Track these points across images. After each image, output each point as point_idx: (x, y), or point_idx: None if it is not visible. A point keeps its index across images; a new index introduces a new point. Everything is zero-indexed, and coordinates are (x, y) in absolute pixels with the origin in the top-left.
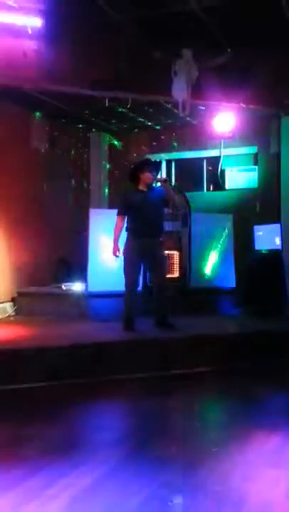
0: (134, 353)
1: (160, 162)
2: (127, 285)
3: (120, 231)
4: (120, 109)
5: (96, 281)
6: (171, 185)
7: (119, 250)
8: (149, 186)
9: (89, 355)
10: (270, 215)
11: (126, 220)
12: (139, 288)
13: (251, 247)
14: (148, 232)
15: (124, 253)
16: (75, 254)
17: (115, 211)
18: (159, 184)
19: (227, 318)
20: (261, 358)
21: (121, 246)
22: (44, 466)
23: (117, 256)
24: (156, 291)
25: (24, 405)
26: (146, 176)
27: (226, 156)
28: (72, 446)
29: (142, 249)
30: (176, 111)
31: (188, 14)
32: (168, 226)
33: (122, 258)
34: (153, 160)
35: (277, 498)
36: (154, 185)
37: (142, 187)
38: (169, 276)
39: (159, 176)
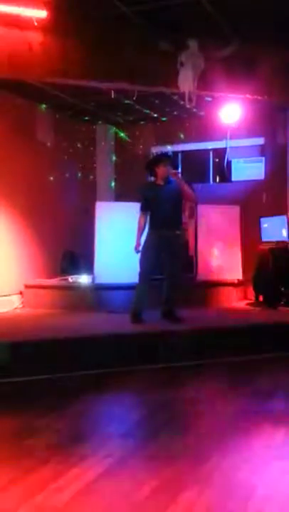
0: (142, 345)
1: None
2: (141, 275)
3: (143, 227)
4: (126, 101)
5: (103, 273)
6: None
7: (140, 246)
8: (166, 180)
9: (97, 347)
10: (277, 207)
11: (149, 215)
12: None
13: (258, 239)
14: (165, 224)
15: (143, 245)
16: (82, 246)
17: (122, 204)
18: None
19: (233, 311)
20: (270, 350)
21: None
22: (51, 458)
23: (138, 251)
24: (169, 283)
25: (32, 397)
26: (163, 170)
27: (233, 148)
28: (79, 439)
29: (160, 242)
30: (182, 102)
31: (194, 5)
32: None
33: (141, 249)
34: (166, 153)
35: (284, 491)
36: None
37: (159, 181)
38: None
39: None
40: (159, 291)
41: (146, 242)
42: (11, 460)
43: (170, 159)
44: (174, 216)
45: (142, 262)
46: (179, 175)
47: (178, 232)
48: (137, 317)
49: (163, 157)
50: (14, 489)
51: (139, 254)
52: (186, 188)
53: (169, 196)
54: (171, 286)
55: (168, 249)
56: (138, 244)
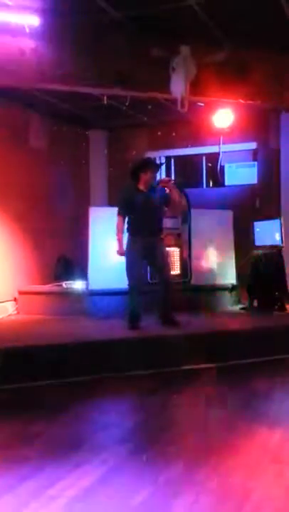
0: (137, 350)
1: (160, 164)
2: (130, 284)
3: (122, 231)
4: (119, 107)
5: (97, 279)
6: (175, 185)
7: (123, 249)
8: (149, 186)
9: (92, 353)
10: (270, 211)
11: (126, 219)
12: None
13: (251, 243)
14: (149, 231)
15: (126, 253)
16: (76, 252)
17: (115, 209)
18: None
19: (228, 315)
20: (265, 354)
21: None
22: (46, 465)
23: (123, 255)
24: (161, 288)
25: (28, 404)
26: (150, 177)
27: (226, 152)
28: (74, 445)
29: (143, 249)
30: (174, 107)
31: (186, 11)
32: (168, 223)
33: (125, 258)
34: (154, 161)
35: (280, 494)
36: (154, 185)
37: (142, 187)
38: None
39: (159, 177)
40: (155, 296)
41: (130, 250)
42: (6, 467)
43: (158, 168)
44: (156, 223)
45: (129, 271)
46: (172, 182)
47: (161, 237)
48: (134, 323)
49: (152, 165)
50: (9, 497)
51: (125, 263)
52: (175, 196)
53: (153, 203)
54: (165, 291)
55: (154, 256)
56: (121, 248)
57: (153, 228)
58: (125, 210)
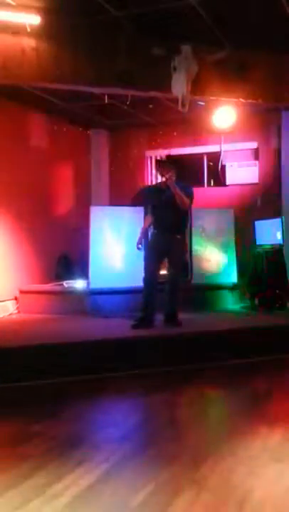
0: (138, 350)
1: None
2: (145, 281)
3: (147, 230)
4: (120, 106)
5: (98, 278)
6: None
7: (141, 244)
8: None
9: (92, 352)
10: (271, 210)
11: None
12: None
13: (253, 242)
14: (166, 229)
15: (145, 248)
16: (77, 251)
17: (116, 208)
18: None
19: (229, 314)
20: (266, 353)
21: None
22: (48, 463)
23: (138, 249)
24: (168, 288)
25: (29, 403)
26: (169, 175)
27: (227, 152)
28: (76, 444)
29: (161, 246)
30: (175, 107)
31: (187, 10)
32: None
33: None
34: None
35: (280, 493)
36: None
37: (164, 185)
38: None
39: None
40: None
41: (148, 247)
42: (7, 466)
43: (166, 162)
44: (174, 221)
45: (145, 267)
46: (173, 179)
47: (179, 236)
48: (145, 322)
49: (162, 161)
50: (11, 495)
51: (143, 259)
52: (177, 192)
53: (171, 201)
54: (172, 290)
55: (169, 254)
56: (139, 242)
57: (171, 226)
58: (147, 210)
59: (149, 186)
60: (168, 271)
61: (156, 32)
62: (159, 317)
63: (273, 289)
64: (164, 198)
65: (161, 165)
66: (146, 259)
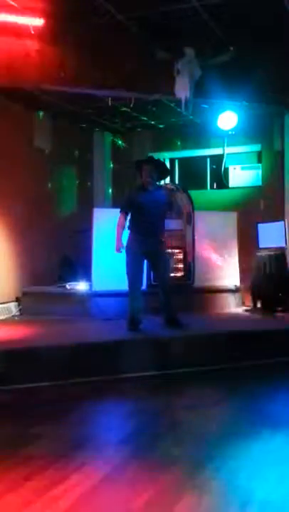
0: (139, 352)
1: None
2: (130, 285)
3: (122, 228)
4: (123, 109)
5: (100, 281)
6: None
7: (122, 246)
8: (153, 185)
9: (94, 354)
10: (274, 213)
11: (128, 218)
12: (144, 287)
13: (255, 245)
14: (149, 232)
15: (126, 253)
16: (79, 253)
17: (119, 210)
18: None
19: (231, 317)
20: (269, 356)
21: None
22: (49, 466)
23: (119, 252)
24: (162, 291)
25: (31, 405)
26: (144, 174)
27: (230, 154)
28: (77, 446)
29: (144, 249)
30: (179, 109)
31: (191, 13)
32: (172, 225)
33: (125, 258)
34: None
35: (282, 496)
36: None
37: (146, 186)
38: (173, 275)
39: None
40: (154, 298)
41: (129, 250)
42: (9, 468)
43: (152, 165)
44: (158, 224)
45: (129, 271)
46: (148, 180)
47: (161, 239)
48: (133, 325)
49: (148, 161)
50: (12, 497)
51: (125, 264)
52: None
53: (155, 203)
54: (166, 293)
55: (154, 257)
56: (120, 245)
57: (154, 229)
58: (127, 207)
59: (135, 186)
60: (157, 275)
61: (159, 35)
62: (160, 320)
63: (276, 291)
64: (148, 199)
65: (137, 165)
66: (130, 265)
